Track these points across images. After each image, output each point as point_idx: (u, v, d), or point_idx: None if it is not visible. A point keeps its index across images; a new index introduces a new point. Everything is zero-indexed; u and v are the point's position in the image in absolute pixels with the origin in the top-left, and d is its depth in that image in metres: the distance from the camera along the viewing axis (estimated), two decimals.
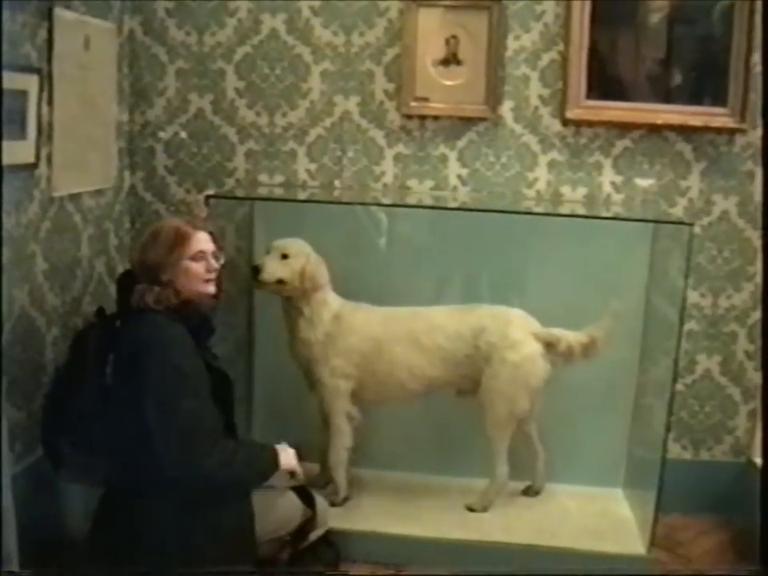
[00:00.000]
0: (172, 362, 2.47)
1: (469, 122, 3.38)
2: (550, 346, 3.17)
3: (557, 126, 3.35)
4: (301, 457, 2.75)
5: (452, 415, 3.41)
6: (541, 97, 3.33)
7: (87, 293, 3.17)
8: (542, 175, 3.39)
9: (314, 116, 3.42)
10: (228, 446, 2.52)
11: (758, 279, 3.31)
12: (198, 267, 2.63)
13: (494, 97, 3.31)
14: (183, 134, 3.48)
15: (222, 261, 2.73)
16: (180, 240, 2.63)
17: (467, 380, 3.22)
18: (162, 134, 3.49)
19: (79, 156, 3.06)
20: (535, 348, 3.16)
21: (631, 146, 3.35)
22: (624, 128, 3.33)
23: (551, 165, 3.39)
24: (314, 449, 3.34)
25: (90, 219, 3.19)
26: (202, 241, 2.67)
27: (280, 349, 3.30)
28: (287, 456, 2.69)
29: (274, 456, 2.65)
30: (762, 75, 3.19)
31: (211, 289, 2.68)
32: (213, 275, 2.67)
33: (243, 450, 2.57)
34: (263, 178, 3.48)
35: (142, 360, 2.47)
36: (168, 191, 3.52)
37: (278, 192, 3.45)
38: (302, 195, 3.45)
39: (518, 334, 3.17)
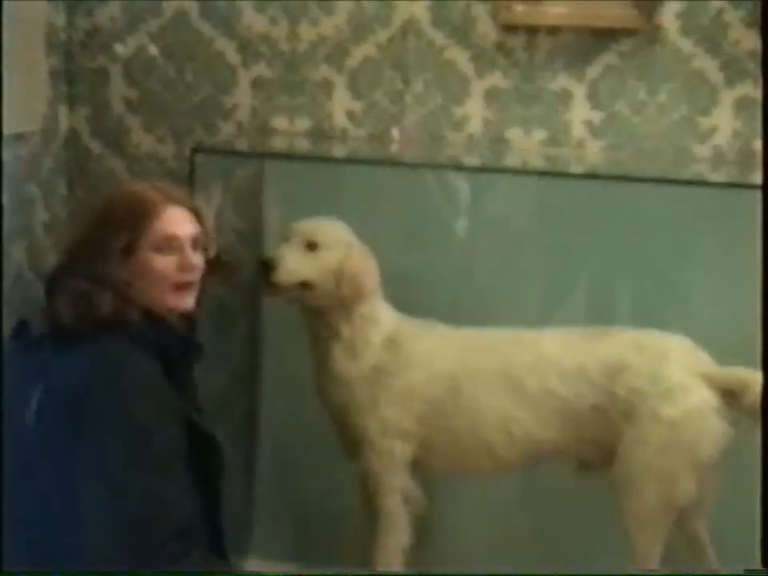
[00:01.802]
0: (128, 415, 2.39)
1: (607, 36, 3.33)
2: (730, 394, 3.04)
3: (754, 42, 3.25)
4: None
5: (569, 500, 3.42)
6: None
7: None
8: (723, 122, 3.31)
9: (360, 25, 3.40)
10: (191, 559, 2.45)
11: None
12: (164, 263, 2.55)
13: None
14: (153, 49, 3.50)
15: (208, 254, 2.66)
16: (139, 216, 2.55)
17: (594, 446, 3.12)
18: (119, 49, 3.50)
19: None
20: (706, 397, 3.03)
21: None
22: None
23: (739, 106, 3.30)
24: (348, 546, 3.40)
25: (6, 180, 3.11)
26: (176, 221, 2.58)
27: (300, 389, 3.33)
28: None
29: None
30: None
31: (185, 301, 2.61)
32: (189, 277, 2.59)
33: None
34: (279, 122, 3.50)
35: (82, 409, 2.38)
36: (128, 139, 3.57)
37: (303, 145, 3.49)
38: (339, 151, 3.53)
39: (678, 374, 3.05)
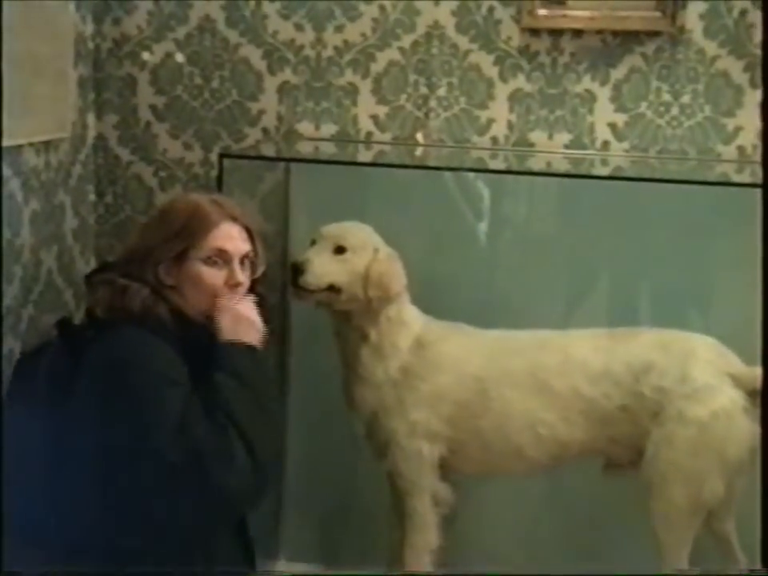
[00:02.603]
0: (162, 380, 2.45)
1: (631, 38, 3.30)
2: (758, 394, 2.96)
3: None
4: None
5: (596, 501, 3.40)
6: None
7: (29, 301, 3.14)
8: (747, 123, 3.26)
9: (386, 31, 3.38)
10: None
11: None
12: (212, 275, 2.60)
13: None
14: (180, 57, 3.48)
15: (258, 271, 2.69)
16: (195, 228, 2.60)
17: (622, 447, 3.10)
18: (146, 57, 3.49)
19: (17, 88, 2.99)
20: (734, 397, 3.00)
21: None
22: None
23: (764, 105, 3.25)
24: (377, 548, 3.36)
25: (35, 186, 3.15)
26: (229, 236, 2.62)
27: (329, 392, 3.30)
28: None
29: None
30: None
31: None
32: (233, 292, 2.62)
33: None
34: (305, 128, 3.48)
35: (101, 388, 2.45)
36: (156, 146, 3.56)
37: (329, 150, 3.47)
38: (364, 155, 3.50)
39: (705, 374, 3.02)
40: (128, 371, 2.46)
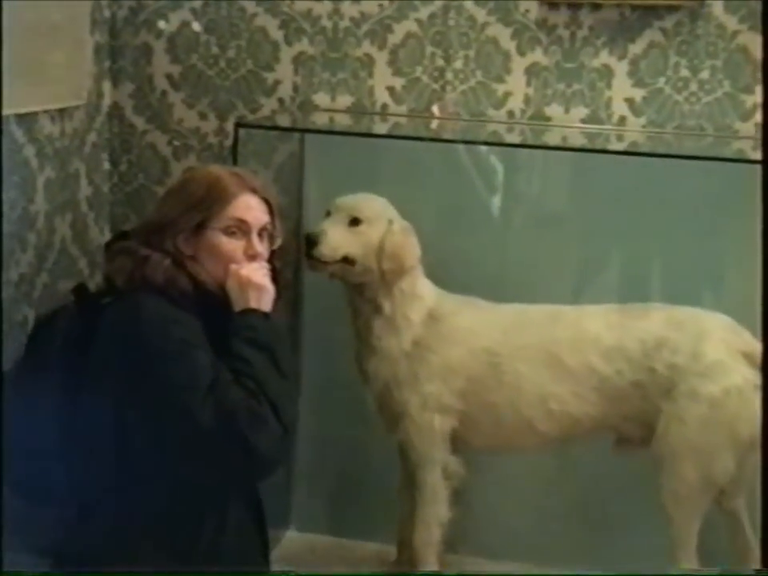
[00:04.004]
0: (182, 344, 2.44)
1: (650, 13, 3.27)
2: None
3: None
4: None
5: (608, 477, 3.39)
6: None
7: (43, 268, 3.14)
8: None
9: (403, 3, 3.37)
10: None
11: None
12: (231, 246, 2.58)
13: None
14: (196, 26, 3.48)
15: (275, 243, 2.68)
16: (215, 198, 2.58)
17: (634, 423, 3.11)
18: (162, 25, 3.49)
19: (32, 56, 3.00)
20: (747, 375, 3.00)
21: None
22: None
23: None
24: (388, 521, 3.39)
25: (50, 154, 3.15)
26: (248, 207, 2.60)
27: (341, 364, 3.33)
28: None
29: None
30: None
31: None
32: (254, 264, 2.62)
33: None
34: (321, 99, 3.48)
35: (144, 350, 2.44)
36: (171, 114, 3.56)
37: (344, 122, 3.48)
38: (380, 128, 3.49)
39: (718, 352, 3.03)
40: (154, 335, 2.46)
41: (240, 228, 2.59)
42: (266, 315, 2.55)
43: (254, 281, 2.55)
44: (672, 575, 3.06)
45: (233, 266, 2.56)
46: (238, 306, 2.55)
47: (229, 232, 2.58)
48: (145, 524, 2.50)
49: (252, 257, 2.60)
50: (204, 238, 2.58)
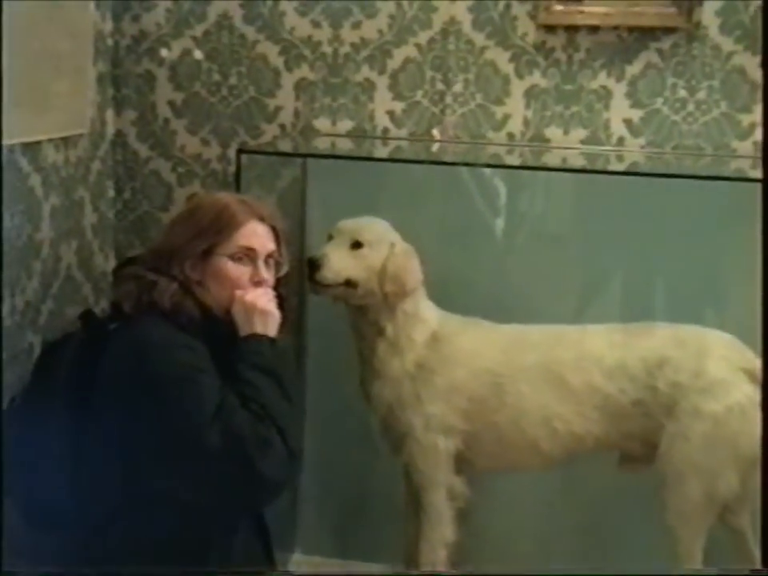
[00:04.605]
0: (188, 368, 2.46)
1: (647, 35, 3.29)
2: None
3: None
4: None
5: (611, 495, 3.37)
6: None
7: (48, 295, 3.13)
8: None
9: (402, 28, 3.36)
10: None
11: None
12: (238, 272, 2.62)
13: None
14: (198, 53, 3.47)
15: (281, 270, 2.71)
16: (222, 224, 2.62)
17: (637, 441, 3.11)
18: (164, 53, 3.49)
19: (37, 85, 3.00)
20: (748, 392, 3.00)
21: None
22: None
23: None
24: (394, 543, 3.36)
25: (54, 182, 3.14)
26: (256, 234, 2.64)
27: (345, 386, 3.30)
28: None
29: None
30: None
31: None
32: (259, 290, 2.64)
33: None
34: (322, 124, 3.47)
35: (122, 380, 2.47)
36: (174, 142, 3.55)
37: (345, 146, 3.46)
38: (380, 151, 3.47)
39: (720, 369, 3.03)
40: (161, 360, 2.48)
41: (247, 255, 2.61)
42: (271, 340, 2.56)
43: (260, 306, 2.56)
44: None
45: (238, 292, 2.57)
46: (243, 332, 2.56)
47: (236, 258, 2.60)
48: (152, 548, 2.50)
49: (258, 283, 2.62)
50: (211, 264, 2.60)
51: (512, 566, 3.46)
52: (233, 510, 2.52)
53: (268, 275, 2.64)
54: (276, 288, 2.67)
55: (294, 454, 2.48)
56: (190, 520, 2.49)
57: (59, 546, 2.64)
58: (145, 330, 2.52)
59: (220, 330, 2.60)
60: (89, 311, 2.74)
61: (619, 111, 3.33)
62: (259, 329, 2.55)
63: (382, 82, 3.39)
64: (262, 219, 2.65)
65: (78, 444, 2.56)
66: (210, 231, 2.61)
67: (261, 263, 2.63)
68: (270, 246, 2.65)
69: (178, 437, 2.40)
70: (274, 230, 2.68)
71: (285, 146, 3.48)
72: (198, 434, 2.39)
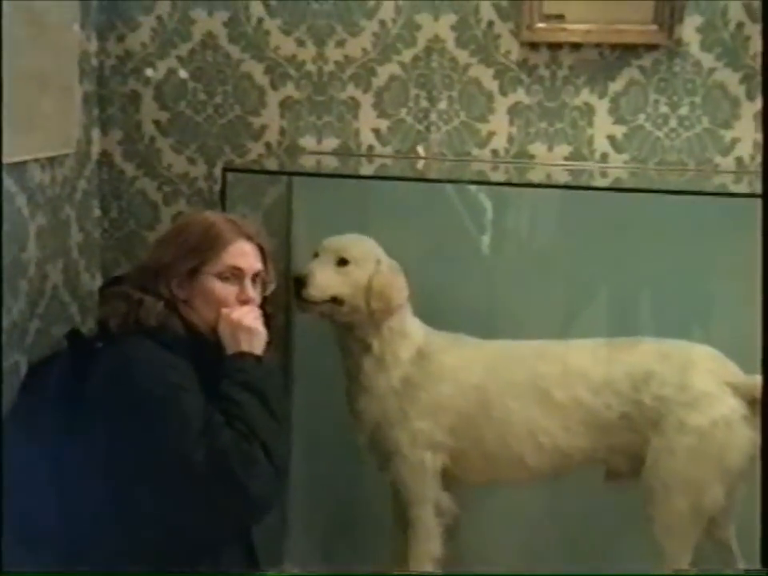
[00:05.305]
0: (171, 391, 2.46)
1: (629, 52, 3.30)
2: (757, 403, 2.95)
3: None
4: None
5: (598, 510, 3.35)
6: (747, 9, 3.21)
7: (35, 315, 3.13)
8: (744, 134, 3.26)
9: (386, 46, 3.38)
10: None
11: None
12: (224, 291, 2.63)
13: (669, 12, 3.20)
14: (183, 73, 3.48)
15: (268, 289, 2.72)
16: (209, 243, 2.63)
17: (623, 456, 3.10)
18: (150, 73, 3.49)
19: (22, 105, 2.99)
20: (733, 406, 2.99)
21: None
22: None
23: (760, 117, 3.25)
24: (382, 559, 3.34)
25: (41, 202, 3.14)
26: (243, 254, 2.65)
27: (332, 403, 3.28)
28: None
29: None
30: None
31: None
32: (245, 308, 2.64)
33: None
34: (307, 142, 3.48)
35: (107, 399, 2.48)
36: (160, 161, 3.56)
37: (331, 164, 3.46)
38: (366, 169, 3.47)
39: (705, 383, 3.02)
40: (146, 379, 2.48)
41: (234, 274, 2.62)
42: (257, 358, 2.56)
43: (245, 324, 2.56)
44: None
45: (224, 310, 2.58)
46: (229, 350, 2.56)
47: (223, 277, 2.61)
48: (139, 566, 2.50)
49: (244, 302, 2.63)
50: (198, 282, 2.60)
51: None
52: (219, 529, 2.52)
53: (255, 294, 2.65)
54: (263, 306, 2.67)
55: (279, 473, 2.48)
56: (176, 538, 2.48)
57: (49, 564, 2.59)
58: (131, 350, 2.52)
59: (206, 349, 2.60)
60: (75, 330, 2.74)
61: (602, 127, 3.34)
62: (245, 347, 2.55)
63: (367, 100, 3.40)
64: (249, 238, 2.66)
65: (65, 463, 2.54)
66: (197, 250, 2.61)
67: (248, 282, 2.64)
68: (257, 265, 2.66)
69: (164, 457, 2.41)
70: (260, 248, 2.68)
71: (270, 164, 3.49)
72: (183, 454, 2.39)
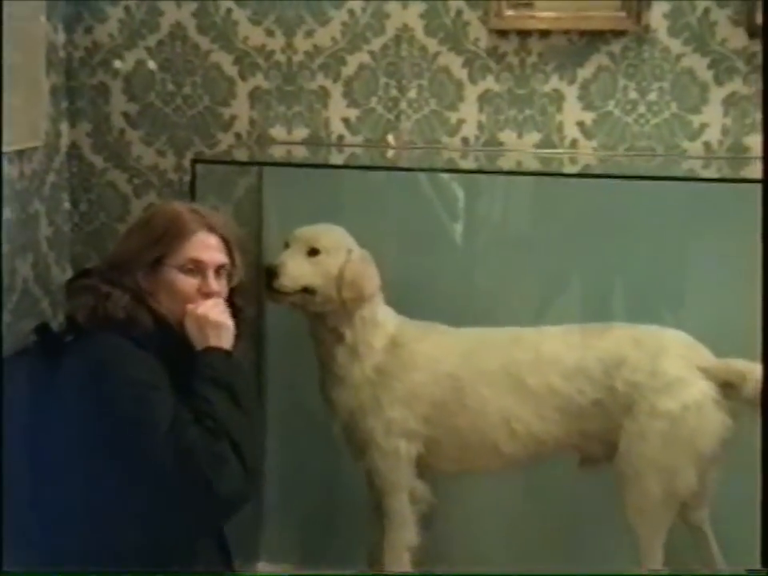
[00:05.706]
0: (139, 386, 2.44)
1: (598, 38, 3.30)
2: (729, 386, 3.01)
3: (742, 40, 3.22)
4: None
5: (572, 496, 3.38)
6: None
7: (5, 309, 3.10)
8: (713, 120, 3.27)
9: (355, 35, 3.37)
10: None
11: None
12: (186, 283, 2.61)
13: None
14: (152, 64, 3.47)
15: (234, 281, 2.70)
16: (172, 234, 2.60)
17: (596, 441, 3.11)
18: (118, 65, 3.48)
19: None
20: (705, 390, 3.01)
21: None
22: None
23: (728, 103, 3.27)
24: (359, 549, 3.34)
25: (9, 195, 3.12)
26: (205, 246, 2.62)
27: (306, 394, 3.29)
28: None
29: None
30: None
31: None
32: (209, 302, 2.61)
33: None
34: (277, 132, 3.47)
35: (81, 393, 2.46)
36: (129, 153, 3.54)
37: (301, 154, 3.45)
38: (336, 159, 3.46)
39: (676, 368, 3.03)
40: (112, 376, 2.46)
41: (196, 266, 2.60)
42: (226, 352, 2.55)
43: (211, 318, 2.54)
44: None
45: (189, 306, 2.56)
46: (198, 345, 2.54)
47: (184, 270, 2.59)
48: (111, 564, 2.47)
49: (207, 295, 2.59)
50: (161, 274, 2.59)
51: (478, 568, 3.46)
52: (189, 527, 2.49)
53: (219, 287, 2.62)
54: (230, 298, 2.65)
55: (249, 469, 2.46)
56: (147, 536, 2.46)
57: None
58: (97, 345, 2.51)
59: (175, 341, 2.58)
60: (44, 324, 2.73)
61: (572, 114, 3.34)
62: (213, 341, 2.53)
63: (337, 90, 3.39)
64: (212, 229, 2.64)
65: (35, 458, 2.54)
66: (160, 241, 2.60)
67: (210, 274, 2.61)
68: (220, 257, 2.63)
69: (132, 454, 2.39)
70: (225, 240, 2.65)
71: (240, 154, 3.49)
72: (150, 451, 2.38)
